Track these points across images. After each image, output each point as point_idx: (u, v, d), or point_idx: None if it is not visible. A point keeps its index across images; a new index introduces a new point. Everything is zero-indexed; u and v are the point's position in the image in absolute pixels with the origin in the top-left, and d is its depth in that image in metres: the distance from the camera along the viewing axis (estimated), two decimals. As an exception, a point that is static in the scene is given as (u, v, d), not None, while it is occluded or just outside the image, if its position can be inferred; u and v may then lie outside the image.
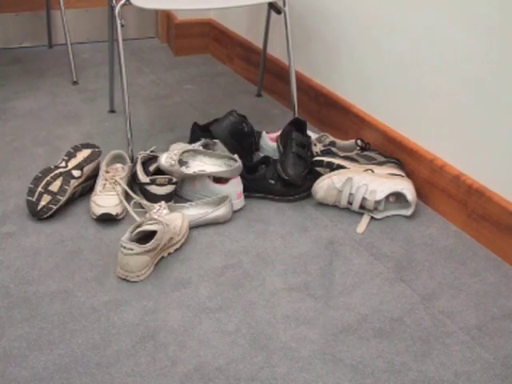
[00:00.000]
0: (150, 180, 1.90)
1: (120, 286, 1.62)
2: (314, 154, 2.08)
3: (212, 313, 1.55)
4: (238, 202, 1.93)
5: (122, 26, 2.08)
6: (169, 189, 1.89)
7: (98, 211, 1.83)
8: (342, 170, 1.96)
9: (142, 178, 1.92)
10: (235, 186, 1.92)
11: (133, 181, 1.98)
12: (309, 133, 2.21)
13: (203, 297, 1.60)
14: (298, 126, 2.08)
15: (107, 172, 1.94)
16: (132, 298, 1.59)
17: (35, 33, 3.18)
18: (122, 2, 2.06)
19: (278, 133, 2.17)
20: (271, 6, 2.35)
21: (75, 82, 2.80)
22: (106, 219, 1.84)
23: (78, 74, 2.83)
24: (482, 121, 1.77)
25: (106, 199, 1.86)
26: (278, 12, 2.29)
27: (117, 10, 2.07)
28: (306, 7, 2.43)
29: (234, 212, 1.92)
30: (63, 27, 2.83)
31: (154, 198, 1.88)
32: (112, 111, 2.54)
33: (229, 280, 1.66)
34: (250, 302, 1.59)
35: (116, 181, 1.89)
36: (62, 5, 2.83)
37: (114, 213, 1.83)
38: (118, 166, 1.98)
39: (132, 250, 1.61)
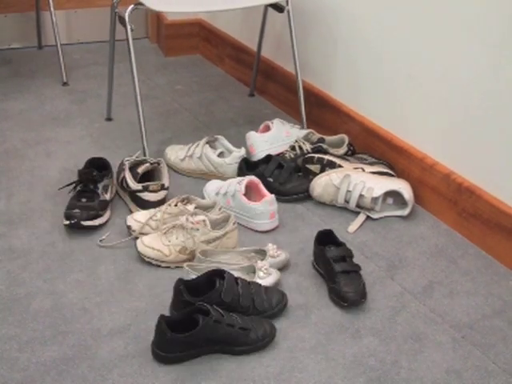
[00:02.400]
0: (143, 187, 1.86)
1: (111, 287, 1.62)
2: (305, 151, 2.09)
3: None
4: (271, 222, 1.85)
5: (132, 30, 2.07)
6: (161, 195, 1.87)
7: None
8: (340, 169, 1.96)
9: (133, 184, 1.87)
10: (269, 205, 1.84)
11: (120, 187, 1.96)
12: (296, 128, 2.22)
13: (195, 297, 1.60)
14: (324, 238, 1.71)
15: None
16: (123, 298, 1.58)
17: (24, 34, 3.17)
18: (132, 6, 2.05)
19: (263, 124, 2.22)
20: (272, 5, 2.30)
21: (65, 83, 2.79)
22: None
23: (67, 75, 2.82)
24: (472, 119, 1.78)
25: None
26: (281, 10, 2.24)
27: (127, 16, 2.05)
28: (296, 7, 2.42)
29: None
30: (53, 28, 2.81)
31: (146, 205, 1.85)
32: (109, 119, 2.50)
33: (220, 280, 1.66)
34: (241, 302, 1.59)
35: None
36: (52, 6, 2.81)
37: None
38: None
39: None
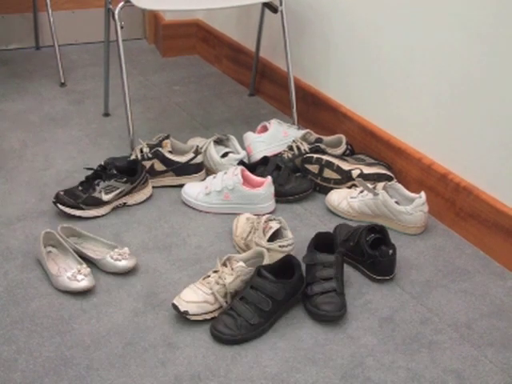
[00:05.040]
0: (194, 152, 2.01)
1: (109, 287, 1.62)
2: (303, 151, 2.09)
3: (202, 313, 1.55)
4: (273, 202, 1.94)
5: (122, 27, 2.09)
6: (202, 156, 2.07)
7: None
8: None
9: (183, 157, 2.01)
10: (270, 187, 1.91)
11: (153, 175, 2.01)
12: (294, 128, 2.23)
13: (193, 297, 1.60)
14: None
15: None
16: (121, 299, 1.58)
17: (22, 35, 3.17)
18: (122, 4, 2.07)
19: (260, 125, 2.23)
20: (266, 5, 2.33)
21: (63, 84, 2.79)
22: None
23: (65, 76, 2.83)
24: (469, 120, 1.78)
25: None
26: (275, 11, 2.27)
27: (117, 13, 2.08)
28: (293, 7, 2.43)
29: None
30: (50, 29, 2.82)
31: (201, 167, 2.04)
32: (106, 114, 2.52)
33: (218, 280, 1.66)
34: (239, 302, 1.59)
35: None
36: (49, 6, 2.81)
37: None
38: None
39: None
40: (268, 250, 1.63)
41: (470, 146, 1.80)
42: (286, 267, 1.57)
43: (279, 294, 1.50)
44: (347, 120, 2.23)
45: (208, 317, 1.51)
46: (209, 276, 1.55)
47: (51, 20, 2.81)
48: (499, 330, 1.52)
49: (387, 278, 1.66)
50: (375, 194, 1.83)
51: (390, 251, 1.65)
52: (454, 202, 1.85)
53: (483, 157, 1.76)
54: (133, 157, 2.02)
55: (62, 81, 2.79)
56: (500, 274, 1.71)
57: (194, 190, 1.95)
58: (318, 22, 2.33)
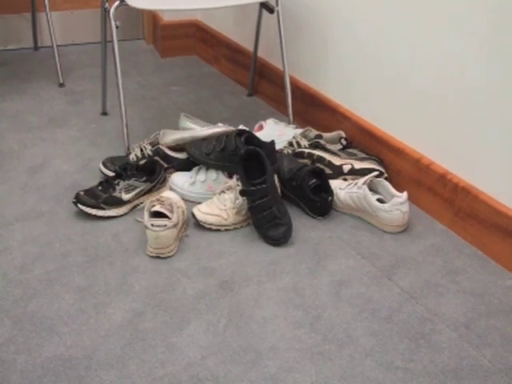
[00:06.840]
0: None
1: (108, 288, 1.62)
2: (302, 147, 2.10)
3: (200, 314, 1.55)
4: None
5: (117, 27, 2.09)
6: None
7: None
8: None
9: (180, 154, 2.05)
10: None
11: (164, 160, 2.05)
12: (291, 127, 2.24)
13: (191, 298, 1.60)
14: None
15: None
16: (120, 299, 1.58)
17: (20, 35, 3.17)
18: (117, 3, 2.07)
19: (257, 124, 2.25)
20: (263, 5, 2.35)
21: (61, 84, 2.79)
22: None
23: (64, 76, 2.83)
24: (469, 120, 1.78)
25: None
26: (271, 11, 2.29)
27: (112, 12, 2.09)
28: (290, 6, 2.43)
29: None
30: (49, 29, 2.82)
31: (196, 164, 2.05)
32: (104, 113, 2.53)
33: (217, 280, 1.66)
34: (238, 302, 1.59)
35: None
36: (48, 7, 2.81)
37: None
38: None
39: (165, 225, 1.69)
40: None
41: (469, 147, 1.80)
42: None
43: None
44: (346, 120, 2.23)
45: (223, 229, 1.82)
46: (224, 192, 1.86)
47: (50, 20, 2.81)
48: (498, 330, 1.52)
49: (323, 217, 1.90)
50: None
51: (329, 198, 1.88)
52: (453, 202, 1.85)
53: (482, 157, 1.76)
54: (132, 156, 2.03)
55: (61, 81, 2.79)
56: (499, 273, 1.71)
57: (180, 179, 2.00)
58: (316, 21, 2.33)
